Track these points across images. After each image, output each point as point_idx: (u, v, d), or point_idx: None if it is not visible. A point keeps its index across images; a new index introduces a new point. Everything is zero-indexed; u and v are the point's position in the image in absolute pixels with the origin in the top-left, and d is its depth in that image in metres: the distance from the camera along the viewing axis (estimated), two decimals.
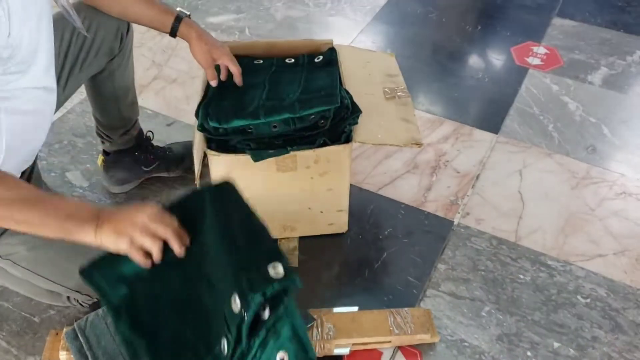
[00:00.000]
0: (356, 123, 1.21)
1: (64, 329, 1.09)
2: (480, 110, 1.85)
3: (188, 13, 1.21)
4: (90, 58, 1.19)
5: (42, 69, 0.98)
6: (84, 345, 1.03)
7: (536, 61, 2.04)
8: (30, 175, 1.01)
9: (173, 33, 1.19)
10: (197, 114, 1.21)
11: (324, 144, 1.20)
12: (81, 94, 1.67)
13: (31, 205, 0.81)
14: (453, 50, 2.11)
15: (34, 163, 1.09)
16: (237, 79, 1.24)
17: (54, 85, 1.05)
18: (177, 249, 0.84)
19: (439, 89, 1.92)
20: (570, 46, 2.12)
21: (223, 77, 1.25)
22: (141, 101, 1.46)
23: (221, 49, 1.22)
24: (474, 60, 2.08)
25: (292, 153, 1.18)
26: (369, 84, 1.35)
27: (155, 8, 1.18)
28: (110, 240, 0.82)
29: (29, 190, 0.84)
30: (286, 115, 1.17)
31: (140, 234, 0.82)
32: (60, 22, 1.07)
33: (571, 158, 1.66)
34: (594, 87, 1.93)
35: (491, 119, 1.79)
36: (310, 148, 1.19)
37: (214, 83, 1.24)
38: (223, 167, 1.20)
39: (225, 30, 2.15)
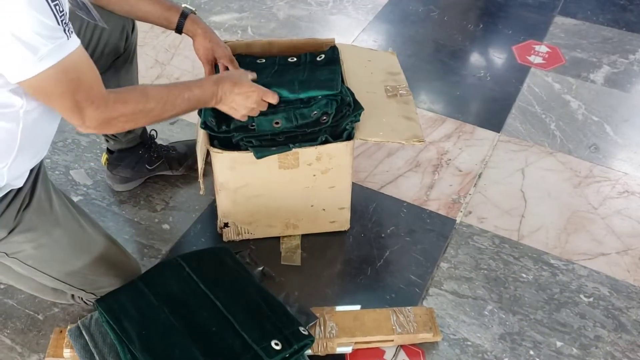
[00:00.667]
0: (358, 120, 1.21)
1: (68, 327, 1.09)
2: (482, 109, 1.85)
3: (194, 9, 1.22)
4: (96, 57, 1.19)
5: None
6: (89, 342, 1.03)
7: (538, 60, 2.04)
8: (37, 174, 1.01)
9: (179, 29, 1.21)
10: (199, 112, 1.21)
11: (326, 142, 1.20)
12: None
13: (172, 104, 1.02)
14: (455, 48, 2.11)
15: (41, 163, 1.09)
16: None
17: None
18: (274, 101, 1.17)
19: (441, 87, 1.93)
20: (572, 44, 2.11)
21: None
22: None
23: (223, 49, 1.23)
24: (475, 59, 2.08)
25: (294, 150, 1.18)
26: (371, 83, 1.36)
27: (161, 5, 1.19)
28: (225, 110, 1.14)
29: (161, 91, 1.02)
30: (285, 94, 1.20)
31: (247, 114, 1.15)
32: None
33: (573, 157, 1.66)
34: (596, 85, 1.93)
35: (493, 117, 1.79)
36: (313, 145, 1.19)
37: None
38: (226, 164, 1.21)
39: (228, 29, 2.15)
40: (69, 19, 0.84)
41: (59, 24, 0.79)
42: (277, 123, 1.19)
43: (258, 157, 1.16)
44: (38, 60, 0.78)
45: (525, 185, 1.57)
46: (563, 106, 1.84)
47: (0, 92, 0.83)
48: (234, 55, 1.29)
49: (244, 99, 1.12)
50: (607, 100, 1.87)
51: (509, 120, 1.78)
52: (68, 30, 0.82)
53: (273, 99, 1.16)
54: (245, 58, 1.35)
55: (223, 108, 1.13)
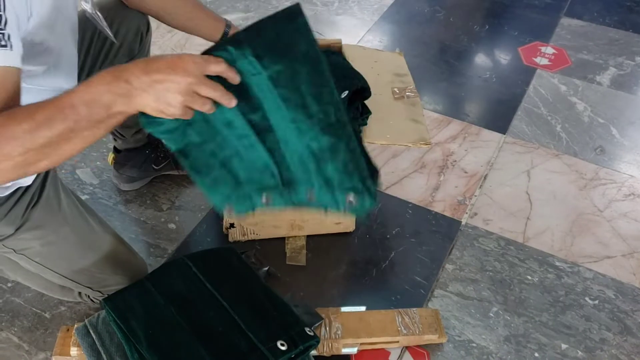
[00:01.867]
0: (365, 124, 1.21)
1: (75, 325, 1.10)
2: (487, 110, 1.85)
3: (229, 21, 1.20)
4: (110, 58, 1.19)
5: (63, 75, 0.98)
6: (96, 341, 1.04)
7: (544, 61, 2.04)
8: (47, 172, 1.02)
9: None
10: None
11: None
12: None
13: (50, 123, 0.70)
14: (460, 49, 2.10)
15: None
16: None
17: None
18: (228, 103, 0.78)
19: (446, 88, 1.93)
20: (579, 46, 2.11)
21: None
22: None
23: None
24: (481, 60, 2.08)
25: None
26: (378, 84, 1.36)
27: (207, 13, 1.18)
28: (149, 112, 0.76)
29: (40, 108, 0.71)
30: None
31: (181, 109, 0.75)
32: (82, 22, 1.07)
33: (579, 159, 1.66)
34: (603, 87, 1.93)
35: (499, 119, 1.79)
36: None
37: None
38: None
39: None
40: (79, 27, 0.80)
41: None
42: None
43: None
44: None
45: (530, 187, 1.57)
46: (569, 108, 1.84)
47: None
48: None
49: (164, 87, 0.72)
50: (613, 102, 1.87)
51: (514, 122, 1.78)
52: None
53: (218, 66, 0.75)
54: None
55: (145, 109, 0.75)
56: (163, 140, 0.88)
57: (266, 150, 0.89)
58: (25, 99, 0.79)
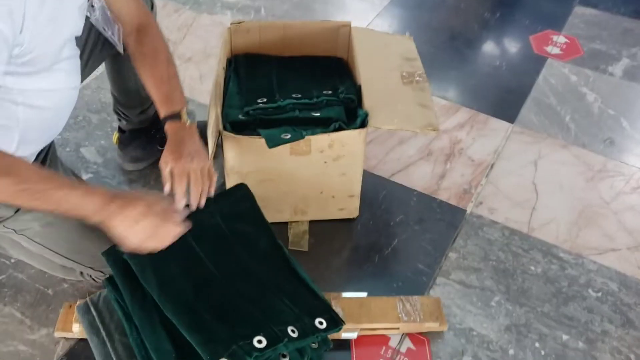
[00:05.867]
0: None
1: (77, 302, 1.11)
2: (496, 99, 1.83)
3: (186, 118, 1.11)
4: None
5: (64, 75, 0.97)
6: (96, 318, 1.05)
7: (555, 50, 2.01)
8: (47, 152, 1.02)
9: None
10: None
11: (340, 129, 1.19)
12: (97, 70, 1.67)
13: (34, 199, 0.83)
14: (470, 36, 2.08)
15: (51, 142, 1.09)
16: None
17: (78, 83, 1.04)
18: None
19: (455, 75, 1.90)
20: (592, 36, 2.08)
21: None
22: None
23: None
24: (491, 48, 2.05)
25: (306, 137, 1.17)
26: (386, 68, 1.34)
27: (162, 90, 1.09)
28: (114, 235, 0.89)
29: (38, 183, 0.83)
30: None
31: (139, 246, 0.91)
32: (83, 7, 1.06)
33: (588, 150, 1.64)
34: (614, 78, 1.90)
35: (507, 108, 1.77)
36: (325, 132, 1.18)
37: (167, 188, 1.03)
38: (237, 148, 1.20)
39: (241, 10, 2.14)
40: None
41: None
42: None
43: (270, 147, 1.15)
44: None
45: (537, 177, 1.55)
46: (579, 99, 1.81)
47: None
48: (241, 55, 1.29)
49: (131, 225, 0.87)
50: (625, 94, 1.84)
51: (523, 112, 1.76)
52: None
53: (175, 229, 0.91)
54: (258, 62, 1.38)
55: (111, 231, 0.88)
56: None
57: None
58: (32, 101, 0.85)
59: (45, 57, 0.88)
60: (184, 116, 1.08)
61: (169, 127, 1.07)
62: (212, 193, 1.05)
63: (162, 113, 1.08)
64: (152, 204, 0.90)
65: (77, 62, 1.02)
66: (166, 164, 1.02)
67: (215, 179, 1.04)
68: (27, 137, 0.93)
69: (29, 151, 0.98)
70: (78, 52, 1.01)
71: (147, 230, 0.89)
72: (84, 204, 0.85)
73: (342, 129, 1.19)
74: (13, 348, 1.14)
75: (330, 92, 1.28)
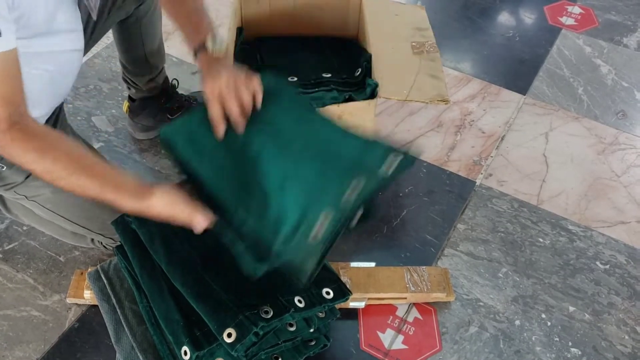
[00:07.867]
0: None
1: (88, 269, 1.12)
2: (508, 70, 1.80)
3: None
4: (119, 3, 1.17)
5: (62, 37, 0.95)
6: (107, 285, 1.06)
7: (570, 21, 1.97)
8: (56, 119, 1.02)
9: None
10: None
11: (350, 99, 1.18)
12: (108, 38, 1.66)
13: (75, 184, 0.87)
14: (484, 6, 2.04)
15: (61, 107, 1.09)
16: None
17: (81, 45, 1.02)
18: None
19: (468, 46, 1.88)
20: (607, 6, 2.03)
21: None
22: (167, 48, 1.44)
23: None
24: (505, 18, 2.02)
25: (316, 110, 1.17)
26: (397, 38, 1.33)
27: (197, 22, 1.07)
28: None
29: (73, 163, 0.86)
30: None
31: None
32: None
33: (599, 123, 1.62)
34: (629, 50, 1.87)
35: (519, 79, 1.75)
36: (335, 103, 1.18)
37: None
38: None
39: None
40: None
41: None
42: None
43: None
44: None
45: (548, 149, 1.54)
46: (592, 70, 1.79)
47: None
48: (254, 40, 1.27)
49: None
50: (639, 66, 1.81)
51: (535, 83, 1.73)
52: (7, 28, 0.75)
53: (200, 224, 0.88)
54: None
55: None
56: None
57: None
58: (36, 63, 0.83)
59: (36, 17, 0.87)
60: (209, 42, 1.04)
61: (202, 58, 1.04)
62: (259, 102, 1.00)
63: (194, 43, 1.05)
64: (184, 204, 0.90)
65: (77, 25, 1.00)
66: (212, 90, 0.98)
67: (260, 87, 1.00)
68: (31, 100, 0.93)
69: (34, 115, 0.98)
70: (79, 14, 0.99)
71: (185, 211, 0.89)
72: (122, 200, 0.88)
73: (352, 99, 1.18)
74: (26, 313, 1.17)
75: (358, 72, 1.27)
